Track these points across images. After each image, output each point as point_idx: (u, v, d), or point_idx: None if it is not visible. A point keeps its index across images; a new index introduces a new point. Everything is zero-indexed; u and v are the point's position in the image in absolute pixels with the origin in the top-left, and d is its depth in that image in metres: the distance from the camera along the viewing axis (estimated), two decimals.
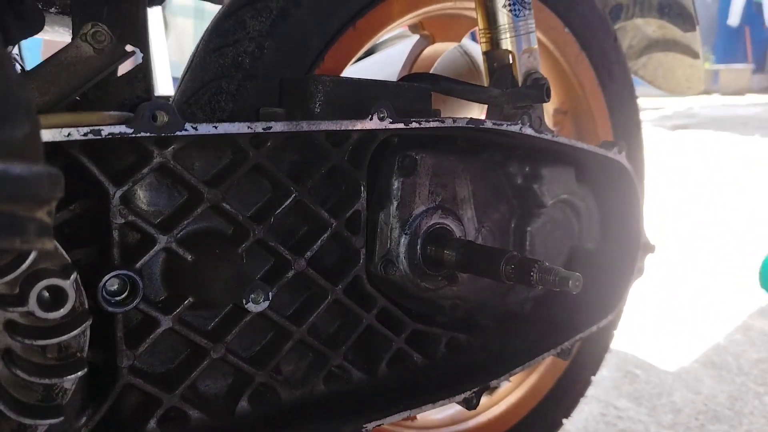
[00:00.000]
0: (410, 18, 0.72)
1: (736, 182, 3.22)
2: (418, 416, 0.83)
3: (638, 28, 1.11)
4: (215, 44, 0.58)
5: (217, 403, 0.52)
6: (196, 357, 0.50)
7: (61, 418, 0.37)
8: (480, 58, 0.74)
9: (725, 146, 4.38)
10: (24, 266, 0.34)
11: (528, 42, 0.64)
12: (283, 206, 0.53)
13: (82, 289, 0.38)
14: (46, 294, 0.36)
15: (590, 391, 1.18)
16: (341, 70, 0.66)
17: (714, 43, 9.29)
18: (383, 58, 0.79)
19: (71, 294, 0.37)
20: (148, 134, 0.40)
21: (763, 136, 4.65)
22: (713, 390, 1.21)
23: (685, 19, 1.04)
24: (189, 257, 0.49)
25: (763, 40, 9.24)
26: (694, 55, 1.11)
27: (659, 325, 1.52)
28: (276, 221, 0.53)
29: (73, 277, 0.37)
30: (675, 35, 1.09)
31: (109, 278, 0.44)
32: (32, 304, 0.36)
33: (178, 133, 0.41)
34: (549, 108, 0.95)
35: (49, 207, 0.24)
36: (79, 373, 0.38)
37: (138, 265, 0.46)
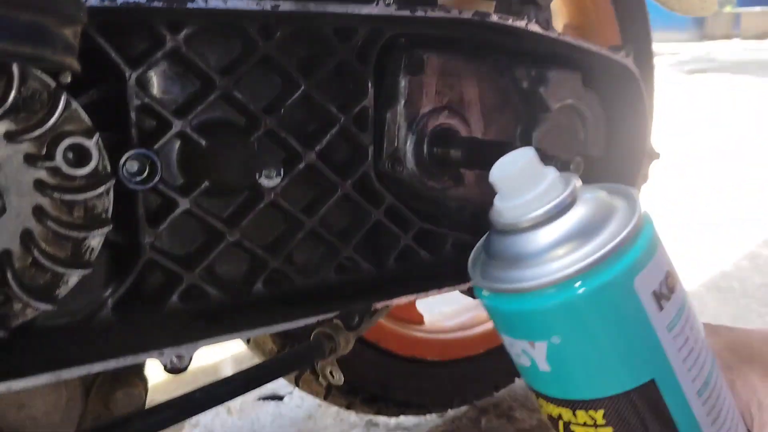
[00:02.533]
0: None
1: (750, 122, 3.17)
2: (428, 321, 0.87)
3: None
4: None
5: (235, 284, 0.55)
6: (214, 240, 0.53)
7: (90, 269, 0.40)
8: None
9: (740, 89, 4.28)
10: (51, 122, 0.37)
11: None
12: (293, 98, 0.55)
13: (104, 152, 0.40)
14: (71, 153, 0.39)
15: None
16: None
17: None
18: None
19: (95, 153, 0.39)
20: (161, 4, 0.41)
21: None
22: (717, 311, 1.23)
23: None
24: (203, 142, 0.51)
25: None
26: None
27: (669, 250, 1.54)
28: (286, 115, 0.55)
29: (95, 137, 0.39)
30: None
31: (129, 156, 0.47)
32: (59, 161, 0.38)
33: (189, 5, 0.43)
34: (559, 24, 0.95)
35: (75, 28, 0.26)
36: (104, 229, 0.41)
37: (156, 147, 0.49)
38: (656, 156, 0.77)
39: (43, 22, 0.24)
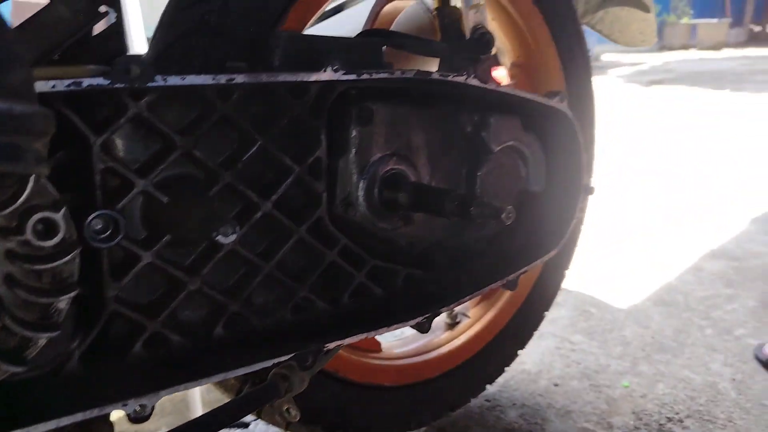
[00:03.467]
0: None
1: (699, 133, 3.31)
2: (385, 348, 0.91)
3: None
4: (184, 3, 0.62)
5: (196, 329, 0.59)
6: (175, 289, 0.57)
7: (58, 332, 0.44)
8: None
9: (696, 100, 4.47)
10: (21, 199, 0.40)
11: None
12: (249, 153, 0.59)
13: (71, 222, 0.44)
14: (40, 226, 0.42)
15: (548, 329, 1.29)
16: (303, 27, 0.70)
17: None
18: (346, 16, 0.84)
19: (62, 225, 0.42)
20: (123, 85, 0.45)
21: (733, 90, 4.74)
22: (661, 325, 1.31)
23: None
24: (165, 199, 0.55)
25: None
26: (646, 9, 1.16)
27: (615, 267, 1.62)
28: (244, 168, 0.59)
29: (62, 211, 0.43)
30: None
31: (94, 217, 0.50)
32: (29, 234, 0.41)
33: (149, 84, 0.46)
34: (506, 62, 1.01)
35: (45, 140, 0.30)
36: (71, 294, 0.44)
37: (119, 206, 0.52)
38: (591, 191, 0.83)
39: (17, 141, 0.27)
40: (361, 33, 0.69)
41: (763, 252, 1.69)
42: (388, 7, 0.85)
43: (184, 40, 0.61)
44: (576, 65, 0.99)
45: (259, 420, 0.94)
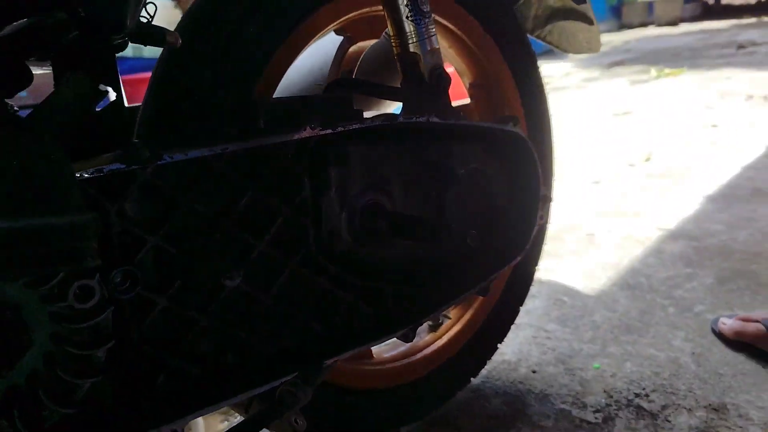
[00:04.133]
0: (334, 25, 0.84)
1: (654, 114, 3.46)
2: (376, 354, 1.00)
3: (541, 1, 1.25)
4: (171, 73, 0.70)
5: (210, 359, 0.67)
6: (189, 326, 0.65)
7: (100, 377, 0.52)
8: None
9: (655, 81, 4.63)
10: (61, 275, 0.48)
11: (430, 44, 0.78)
12: (243, 201, 0.67)
13: (104, 286, 0.52)
14: (79, 291, 0.50)
15: (524, 320, 1.39)
16: (280, 78, 0.79)
17: None
18: (314, 59, 0.92)
19: (97, 288, 0.51)
20: (138, 167, 0.53)
21: (690, 67, 4.91)
22: (627, 307, 1.42)
23: None
24: (173, 250, 0.63)
25: None
26: (590, 21, 1.26)
27: (585, 257, 1.74)
28: (240, 215, 0.67)
29: (97, 277, 0.51)
30: (572, 5, 1.24)
31: (115, 273, 0.58)
32: (70, 300, 0.50)
33: (159, 162, 0.55)
34: (466, 83, 1.10)
35: (96, 239, 0.38)
36: (109, 345, 0.52)
37: (135, 260, 0.60)
38: (550, 200, 0.93)
39: (80, 245, 0.35)
40: (333, 82, 0.78)
41: (720, 230, 1.82)
42: (352, 48, 0.94)
43: (175, 107, 0.69)
44: (528, 81, 1.09)
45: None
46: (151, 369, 0.63)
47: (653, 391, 1.12)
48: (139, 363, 0.62)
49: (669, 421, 1.04)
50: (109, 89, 0.62)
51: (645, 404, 1.09)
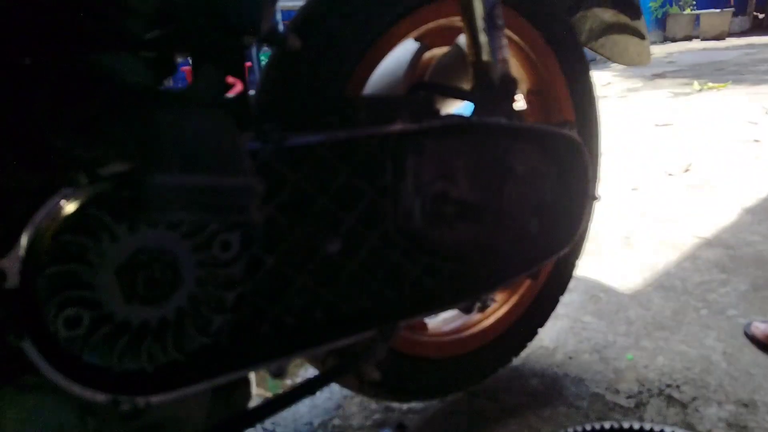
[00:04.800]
0: (414, 33, 0.96)
1: (697, 128, 3.48)
2: (431, 328, 1.12)
3: (596, 16, 1.35)
4: (280, 70, 0.82)
5: (304, 313, 0.79)
6: (290, 284, 0.77)
7: (229, 315, 0.64)
8: None
9: (695, 94, 4.62)
10: (210, 228, 0.61)
11: (501, 54, 0.88)
12: (337, 182, 0.79)
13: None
14: (221, 243, 0.63)
15: (562, 311, 1.49)
16: (367, 78, 0.90)
17: None
18: (393, 62, 1.03)
19: (235, 242, 0.63)
20: (271, 146, 0.66)
21: (735, 82, 4.88)
22: (661, 307, 1.50)
23: (633, 10, 1.28)
24: (282, 219, 0.75)
25: None
26: (642, 36, 1.35)
27: (622, 258, 1.82)
28: (335, 193, 0.79)
29: (237, 233, 0.63)
30: (626, 21, 1.33)
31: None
32: (215, 249, 0.62)
33: (285, 144, 0.67)
34: (523, 89, 1.20)
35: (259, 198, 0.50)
36: (239, 290, 0.65)
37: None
38: (597, 198, 1.03)
39: (249, 202, 0.47)
40: (415, 84, 0.89)
41: (756, 240, 1.87)
42: (426, 54, 1.05)
43: (288, 98, 0.82)
44: (582, 91, 1.18)
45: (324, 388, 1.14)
46: (257, 316, 0.75)
47: (684, 383, 1.21)
48: (251, 310, 0.74)
49: (698, 411, 1.13)
50: (237, 81, 0.75)
51: (676, 394, 1.17)
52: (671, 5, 8.97)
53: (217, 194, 0.46)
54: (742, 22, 9.03)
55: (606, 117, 3.96)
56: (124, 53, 0.56)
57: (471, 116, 0.84)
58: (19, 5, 0.45)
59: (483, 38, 0.87)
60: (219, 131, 0.48)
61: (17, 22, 0.48)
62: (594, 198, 1.02)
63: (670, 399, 1.16)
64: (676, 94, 4.69)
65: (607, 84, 5.58)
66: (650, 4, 8.71)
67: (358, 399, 1.21)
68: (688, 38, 8.79)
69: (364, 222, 0.82)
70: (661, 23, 8.88)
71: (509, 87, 0.87)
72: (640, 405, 1.15)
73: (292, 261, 0.77)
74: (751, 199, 2.25)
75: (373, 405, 1.18)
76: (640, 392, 1.19)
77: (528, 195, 0.96)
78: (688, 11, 8.81)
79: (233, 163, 0.48)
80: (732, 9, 8.71)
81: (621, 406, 1.15)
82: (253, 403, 0.76)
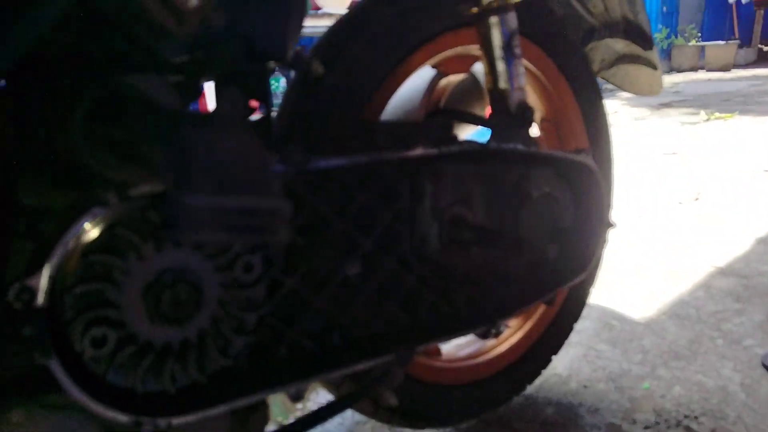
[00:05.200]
0: (432, 60, 0.98)
1: (706, 157, 3.48)
2: (445, 354, 1.11)
3: (609, 46, 1.37)
4: (301, 94, 0.84)
5: (320, 336, 0.79)
6: (305, 307, 0.77)
7: (252, 337, 0.64)
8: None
9: (704, 124, 4.64)
10: (234, 249, 0.61)
11: (518, 81, 0.90)
12: (354, 205, 0.79)
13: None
14: (243, 265, 0.63)
15: (575, 339, 1.47)
16: (384, 104, 0.92)
17: (702, 21, 9.53)
18: (410, 88, 1.05)
19: (258, 264, 0.63)
20: (294, 168, 0.66)
21: (742, 112, 4.90)
22: (676, 336, 1.49)
23: (645, 40, 1.30)
24: (301, 241, 0.75)
25: (750, 14, 9.44)
26: (654, 66, 1.37)
27: (634, 286, 1.81)
28: (352, 216, 0.79)
29: (259, 255, 0.64)
30: (638, 51, 1.35)
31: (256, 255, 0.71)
32: (237, 271, 0.62)
33: (308, 167, 0.68)
34: (537, 118, 1.21)
35: (287, 220, 0.50)
36: (260, 311, 0.65)
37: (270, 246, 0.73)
38: (612, 225, 1.03)
39: (279, 223, 0.48)
40: (433, 111, 0.90)
41: None
42: (442, 81, 1.07)
43: (306, 119, 0.83)
44: (595, 118, 1.19)
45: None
46: (274, 339, 0.75)
47: (702, 414, 1.19)
48: (269, 333, 0.74)
49: None
50: (261, 104, 0.76)
51: (694, 426, 1.15)
52: (676, 36, 9.07)
53: (248, 215, 0.47)
54: (748, 53, 9.12)
55: (614, 145, 3.97)
56: (155, 76, 0.58)
57: (489, 142, 0.85)
58: (58, 27, 0.47)
59: (501, 66, 0.88)
60: (249, 152, 0.49)
61: (54, 44, 0.49)
62: (609, 225, 1.02)
63: (688, 430, 1.14)
64: (683, 123, 4.71)
65: (615, 112, 5.61)
66: (655, 35, 8.82)
67: (369, 425, 1.19)
68: (694, 69, 8.86)
69: (382, 246, 0.82)
70: (667, 54, 8.97)
71: (526, 114, 0.88)
72: None
73: (312, 284, 0.78)
74: (762, 229, 2.24)
75: (386, 430, 1.17)
76: (658, 423, 1.17)
77: (544, 221, 0.96)
78: (693, 42, 8.91)
79: (263, 184, 0.49)
80: (737, 41, 8.79)
81: None
82: (270, 427, 0.75)
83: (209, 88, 0.82)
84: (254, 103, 0.77)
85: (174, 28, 0.50)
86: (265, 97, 0.76)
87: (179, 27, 0.51)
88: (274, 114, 0.81)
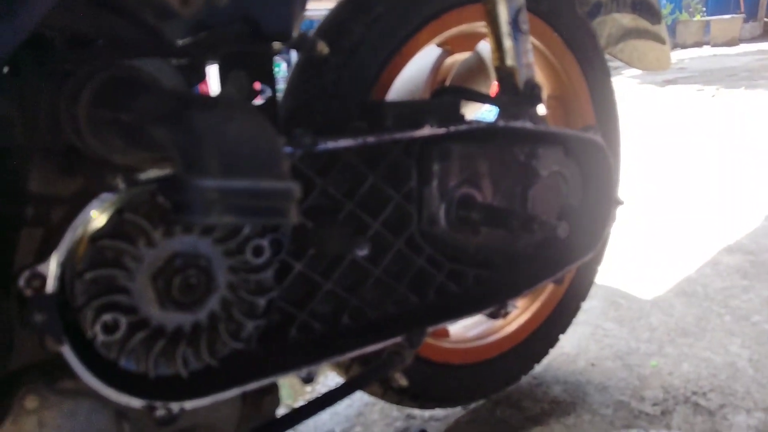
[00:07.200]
0: (437, 39, 0.96)
1: (711, 133, 3.45)
2: (453, 334, 1.11)
3: (616, 21, 1.34)
4: (306, 76, 0.83)
5: (330, 318, 0.79)
6: (315, 289, 0.77)
7: (262, 320, 0.64)
8: (490, 58, 0.99)
9: (710, 99, 4.60)
10: (244, 232, 0.61)
11: (526, 58, 0.88)
12: (364, 187, 0.79)
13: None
14: (253, 248, 0.63)
15: (582, 317, 1.47)
16: (390, 84, 0.91)
17: None
18: (415, 68, 1.04)
19: (267, 248, 0.63)
20: (301, 151, 0.66)
21: (748, 87, 4.85)
22: (683, 313, 1.49)
23: (653, 14, 1.28)
24: (310, 224, 0.75)
25: None
26: (662, 41, 1.34)
27: (641, 262, 1.80)
28: (360, 198, 0.79)
29: (267, 238, 0.63)
30: (646, 26, 1.33)
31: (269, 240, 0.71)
32: (247, 255, 0.62)
33: (316, 149, 0.67)
34: (544, 95, 1.20)
35: (297, 202, 0.50)
36: (272, 293, 0.64)
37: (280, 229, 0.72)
38: (621, 203, 1.02)
39: (288, 205, 0.47)
40: (440, 90, 0.89)
41: None
42: (447, 60, 1.05)
43: (311, 103, 0.82)
44: (602, 96, 1.18)
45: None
46: (284, 322, 0.75)
47: (710, 390, 1.19)
48: (280, 317, 0.74)
49: (727, 419, 1.11)
50: (265, 87, 0.75)
51: (703, 402, 1.16)
52: (681, 12, 8.95)
53: (259, 197, 0.46)
54: (753, 28, 8.99)
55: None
56: (161, 59, 0.57)
57: (497, 121, 0.84)
58: (64, 11, 0.46)
59: (508, 43, 0.87)
60: (260, 134, 0.48)
61: (61, 28, 0.48)
62: (617, 202, 1.01)
63: (696, 406, 1.14)
64: (690, 100, 4.66)
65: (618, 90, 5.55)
66: None
67: (379, 406, 1.20)
68: (699, 44, 8.75)
69: (388, 227, 0.81)
70: (671, 30, 8.85)
71: (534, 91, 0.87)
72: (666, 413, 1.13)
73: (319, 267, 0.77)
74: None
75: (395, 412, 1.18)
76: (666, 400, 1.17)
77: (553, 199, 0.96)
78: (698, 17, 8.79)
79: (274, 166, 0.48)
80: (742, 15, 8.67)
81: (647, 414, 1.14)
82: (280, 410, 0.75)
83: (211, 71, 0.81)
84: (257, 86, 0.76)
85: (179, 9, 0.49)
86: (270, 80, 0.75)
87: (184, 8, 0.50)
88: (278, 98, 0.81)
